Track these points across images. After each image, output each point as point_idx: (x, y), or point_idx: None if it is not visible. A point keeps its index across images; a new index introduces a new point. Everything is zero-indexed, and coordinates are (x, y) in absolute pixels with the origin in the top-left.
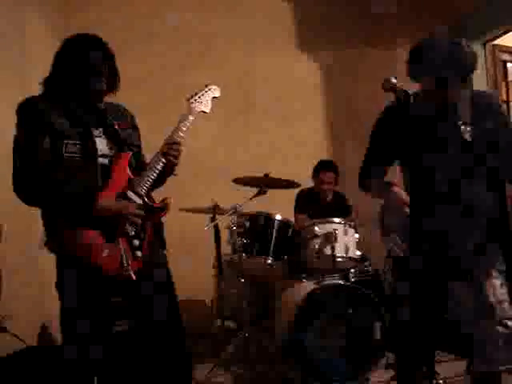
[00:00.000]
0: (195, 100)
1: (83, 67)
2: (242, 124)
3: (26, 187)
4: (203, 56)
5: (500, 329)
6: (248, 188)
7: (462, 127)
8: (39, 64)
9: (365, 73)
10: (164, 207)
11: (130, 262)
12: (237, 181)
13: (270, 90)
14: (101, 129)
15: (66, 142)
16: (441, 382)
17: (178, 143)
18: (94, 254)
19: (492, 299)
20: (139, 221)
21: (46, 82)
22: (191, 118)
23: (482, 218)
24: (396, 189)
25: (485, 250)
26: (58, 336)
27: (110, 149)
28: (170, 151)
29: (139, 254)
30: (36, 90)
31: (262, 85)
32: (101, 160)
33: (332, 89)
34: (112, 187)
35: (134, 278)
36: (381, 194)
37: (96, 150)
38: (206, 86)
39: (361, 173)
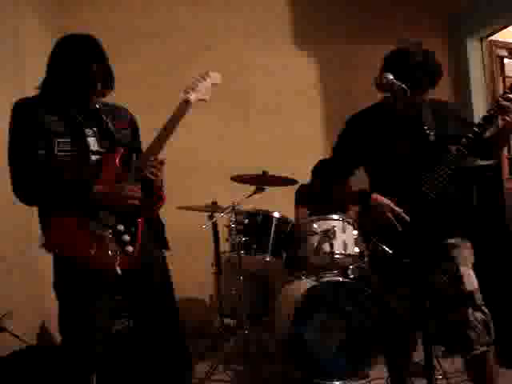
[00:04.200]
0: (192, 89)
1: (76, 72)
2: (239, 120)
3: (24, 190)
4: (200, 53)
5: (479, 315)
6: (246, 185)
7: (427, 130)
8: (34, 63)
9: (363, 68)
10: (159, 198)
11: (118, 257)
12: (235, 178)
13: (267, 86)
14: (94, 128)
15: (58, 140)
16: (440, 377)
17: (160, 161)
18: (80, 249)
19: (471, 287)
20: (137, 201)
21: (42, 84)
22: (185, 110)
23: (448, 211)
24: (375, 194)
25: (457, 242)
26: (57, 335)
27: (102, 147)
28: (149, 168)
29: (130, 249)
30: (31, 89)
31: (259, 81)
32: (93, 157)
33: (330, 84)
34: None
35: (119, 272)
36: (351, 197)
37: (88, 147)
38: (206, 73)
39: (324, 178)
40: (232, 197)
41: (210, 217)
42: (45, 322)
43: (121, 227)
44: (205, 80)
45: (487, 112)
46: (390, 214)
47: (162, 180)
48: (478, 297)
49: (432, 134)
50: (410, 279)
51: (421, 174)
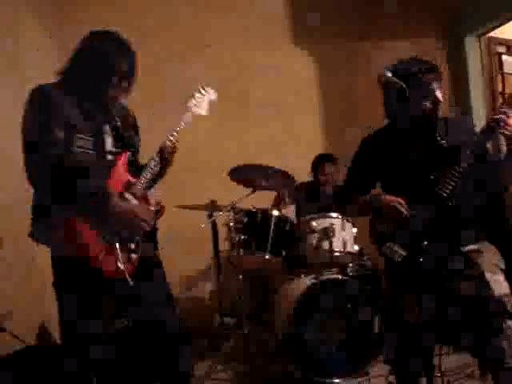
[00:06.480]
0: (193, 103)
1: (112, 69)
2: (238, 119)
3: (37, 178)
4: (199, 52)
5: (511, 323)
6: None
7: (439, 137)
8: (34, 64)
9: (363, 67)
10: (158, 211)
11: (125, 266)
12: (233, 176)
13: (265, 85)
14: (108, 126)
15: (78, 136)
16: (439, 375)
17: (175, 148)
18: (92, 254)
19: (499, 293)
20: (149, 227)
21: (65, 72)
22: (187, 120)
23: (470, 217)
24: (384, 194)
25: (480, 248)
26: (57, 335)
27: (115, 147)
28: (169, 156)
29: (134, 256)
30: (30, 87)
31: (257, 79)
32: (109, 157)
33: (330, 83)
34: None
35: (130, 282)
36: (366, 205)
37: (105, 147)
38: (203, 88)
39: (340, 198)
40: (230, 195)
41: (209, 216)
42: (45, 322)
43: (126, 234)
44: (203, 96)
45: (486, 124)
46: (399, 206)
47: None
48: (510, 303)
49: (444, 141)
50: (427, 286)
51: (433, 177)
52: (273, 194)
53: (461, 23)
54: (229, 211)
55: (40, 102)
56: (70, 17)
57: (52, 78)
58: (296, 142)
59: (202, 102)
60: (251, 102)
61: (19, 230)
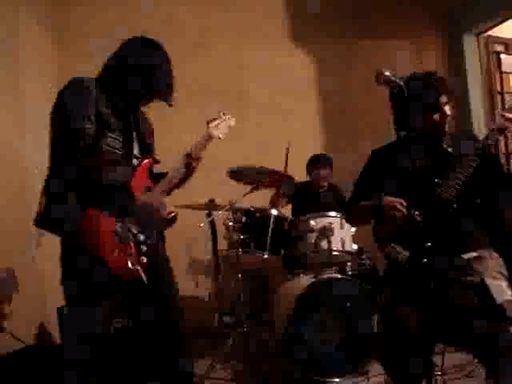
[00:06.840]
0: (215, 125)
1: (156, 84)
2: (237, 119)
3: (60, 162)
4: (197, 50)
5: None
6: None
7: (445, 145)
8: (33, 62)
9: (361, 66)
10: (172, 220)
11: (136, 267)
12: (232, 176)
13: (263, 84)
14: (135, 132)
15: (109, 134)
16: (439, 373)
17: (200, 159)
18: (108, 252)
19: (501, 299)
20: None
21: (104, 70)
22: (208, 141)
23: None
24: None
25: (481, 254)
26: (57, 336)
27: (140, 153)
28: (195, 164)
29: (144, 259)
30: (29, 91)
31: (255, 78)
32: (134, 161)
33: (328, 82)
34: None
35: (145, 280)
36: (368, 208)
37: (133, 150)
38: (224, 114)
39: (348, 210)
40: (229, 194)
41: (208, 215)
42: (45, 322)
43: (141, 237)
44: (224, 121)
45: (489, 130)
46: (400, 206)
47: None
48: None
49: (450, 149)
50: (428, 291)
51: (438, 181)
52: (270, 194)
53: (459, 22)
54: (227, 210)
55: (77, 91)
56: (69, 17)
57: (51, 77)
58: (295, 141)
59: (222, 127)
60: (251, 101)
61: (19, 230)
